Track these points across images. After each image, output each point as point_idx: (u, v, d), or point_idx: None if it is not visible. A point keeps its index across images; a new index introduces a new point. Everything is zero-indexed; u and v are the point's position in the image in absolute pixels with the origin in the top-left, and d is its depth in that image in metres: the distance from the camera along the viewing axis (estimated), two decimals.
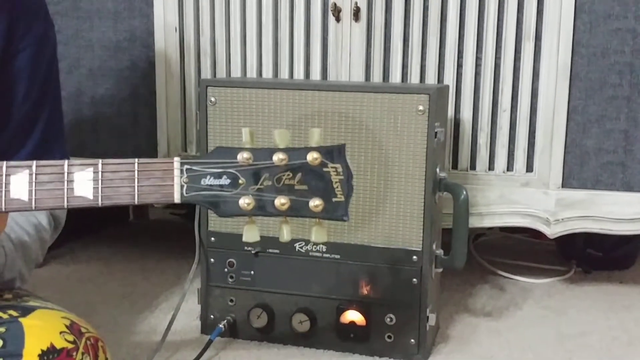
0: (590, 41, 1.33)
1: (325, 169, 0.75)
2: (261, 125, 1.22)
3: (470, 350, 1.27)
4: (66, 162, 0.76)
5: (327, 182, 0.75)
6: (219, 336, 1.25)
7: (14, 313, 0.84)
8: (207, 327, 1.29)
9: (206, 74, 1.49)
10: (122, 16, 1.52)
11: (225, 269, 1.28)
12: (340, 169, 0.75)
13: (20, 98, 0.95)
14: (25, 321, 0.82)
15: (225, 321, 1.27)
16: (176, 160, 0.76)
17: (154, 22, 1.50)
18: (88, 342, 0.84)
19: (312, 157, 0.75)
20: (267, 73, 1.46)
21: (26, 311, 0.84)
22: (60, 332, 0.82)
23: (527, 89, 1.37)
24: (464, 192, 1.19)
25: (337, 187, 0.76)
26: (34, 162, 0.76)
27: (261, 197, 0.75)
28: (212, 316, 1.29)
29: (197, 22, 1.49)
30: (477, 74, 1.38)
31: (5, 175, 0.75)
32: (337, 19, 1.40)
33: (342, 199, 0.76)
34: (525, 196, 1.40)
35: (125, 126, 1.56)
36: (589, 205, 1.38)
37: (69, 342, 0.81)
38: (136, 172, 0.76)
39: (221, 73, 1.49)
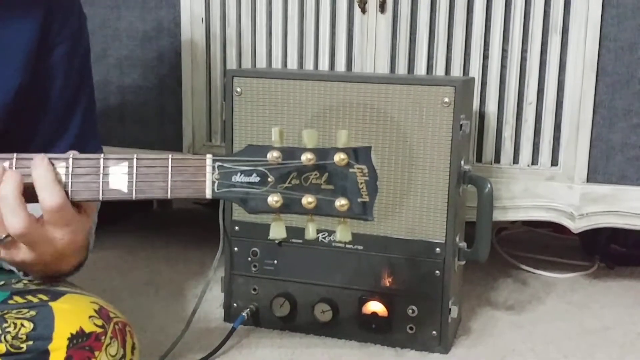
0: (618, 35, 1.32)
1: (351, 170, 0.78)
2: (286, 115, 1.22)
3: (492, 344, 1.27)
4: (102, 155, 0.79)
5: (353, 182, 0.78)
6: (242, 324, 1.26)
7: (44, 297, 0.85)
8: (230, 315, 1.31)
9: (232, 64, 1.50)
10: (149, 6, 1.54)
11: (249, 258, 1.29)
12: (366, 170, 0.78)
13: (57, 91, 0.97)
14: (55, 305, 0.84)
15: (248, 309, 1.28)
16: (208, 157, 0.79)
17: (180, 13, 1.51)
18: (116, 327, 0.85)
19: (339, 157, 0.78)
20: (292, 64, 1.47)
21: (56, 295, 0.86)
22: (90, 317, 0.83)
23: (553, 82, 1.36)
24: (489, 185, 1.19)
25: (363, 188, 0.78)
26: (71, 155, 0.79)
27: (289, 196, 0.78)
28: (235, 304, 1.30)
29: (224, 13, 1.50)
30: (503, 67, 1.38)
31: None
32: (363, 11, 1.40)
33: (367, 199, 0.78)
34: (550, 190, 1.39)
35: (151, 115, 1.58)
36: (613, 200, 1.37)
37: (97, 326, 0.83)
38: (170, 167, 0.79)
39: (246, 64, 1.50)
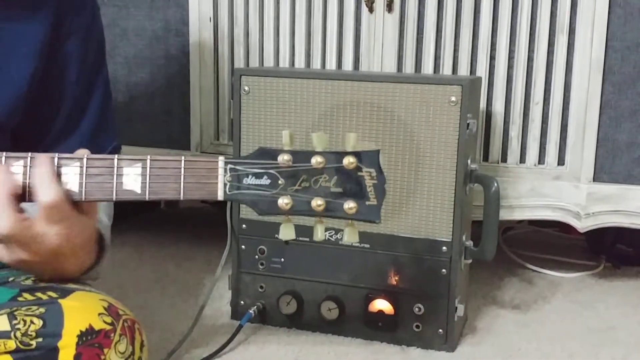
0: (624, 35, 1.33)
1: (360, 173, 0.80)
2: (293, 114, 1.23)
3: (498, 342, 1.28)
4: (116, 156, 0.81)
5: (361, 185, 0.80)
6: (249, 322, 1.27)
7: (54, 294, 0.86)
8: (237, 312, 1.31)
9: (239, 63, 1.51)
10: (158, 5, 1.54)
11: (256, 256, 1.29)
12: (374, 174, 0.80)
13: (73, 81, 0.99)
14: (64, 302, 0.84)
15: (255, 307, 1.29)
16: (220, 160, 0.80)
17: (188, 12, 1.52)
18: (125, 324, 0.86)
19: (348, 161, 0.79)
20: (300, 63, 1.47)
21: (65, 293, 0.86)
22: (99, 314, 0.84)
23: (560, 82, 1.36)
24: (495, 184, 1.19)
25: (371, 191, 0.80)
26: (85, 156, 0.81)
27: (299, 198, 0.79)
28: (242, 302, 1.31)
29: (232, 13, 1.50)
30: (510, 67, 1.38)
31: (57, 167, 0.80)
32: (370, 10, 1.41)
33: (375, 202, 0.80)
34: (556, 189, 1.39)
35: (159, 114, 1.58)
36: (620, 199, 1.38)
37: (107, 323, 0.83)
38: (182, 169, 0.80)
39: (254, 63, 1.50)
